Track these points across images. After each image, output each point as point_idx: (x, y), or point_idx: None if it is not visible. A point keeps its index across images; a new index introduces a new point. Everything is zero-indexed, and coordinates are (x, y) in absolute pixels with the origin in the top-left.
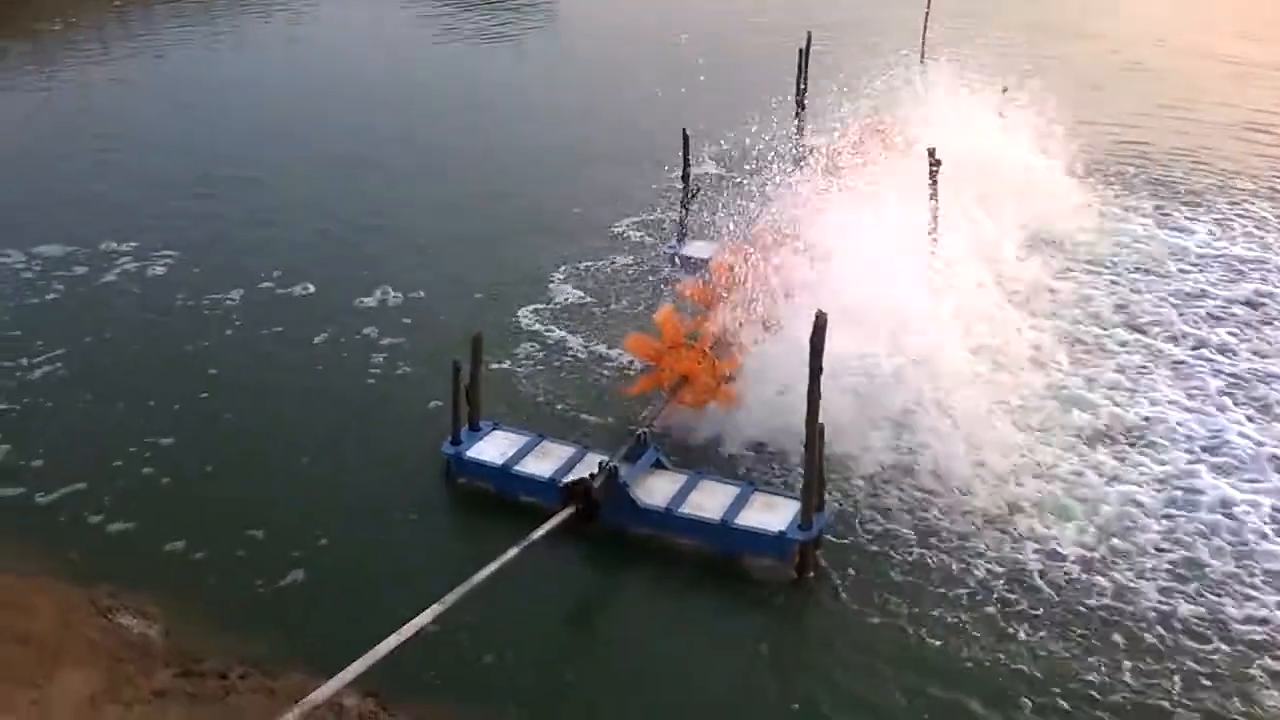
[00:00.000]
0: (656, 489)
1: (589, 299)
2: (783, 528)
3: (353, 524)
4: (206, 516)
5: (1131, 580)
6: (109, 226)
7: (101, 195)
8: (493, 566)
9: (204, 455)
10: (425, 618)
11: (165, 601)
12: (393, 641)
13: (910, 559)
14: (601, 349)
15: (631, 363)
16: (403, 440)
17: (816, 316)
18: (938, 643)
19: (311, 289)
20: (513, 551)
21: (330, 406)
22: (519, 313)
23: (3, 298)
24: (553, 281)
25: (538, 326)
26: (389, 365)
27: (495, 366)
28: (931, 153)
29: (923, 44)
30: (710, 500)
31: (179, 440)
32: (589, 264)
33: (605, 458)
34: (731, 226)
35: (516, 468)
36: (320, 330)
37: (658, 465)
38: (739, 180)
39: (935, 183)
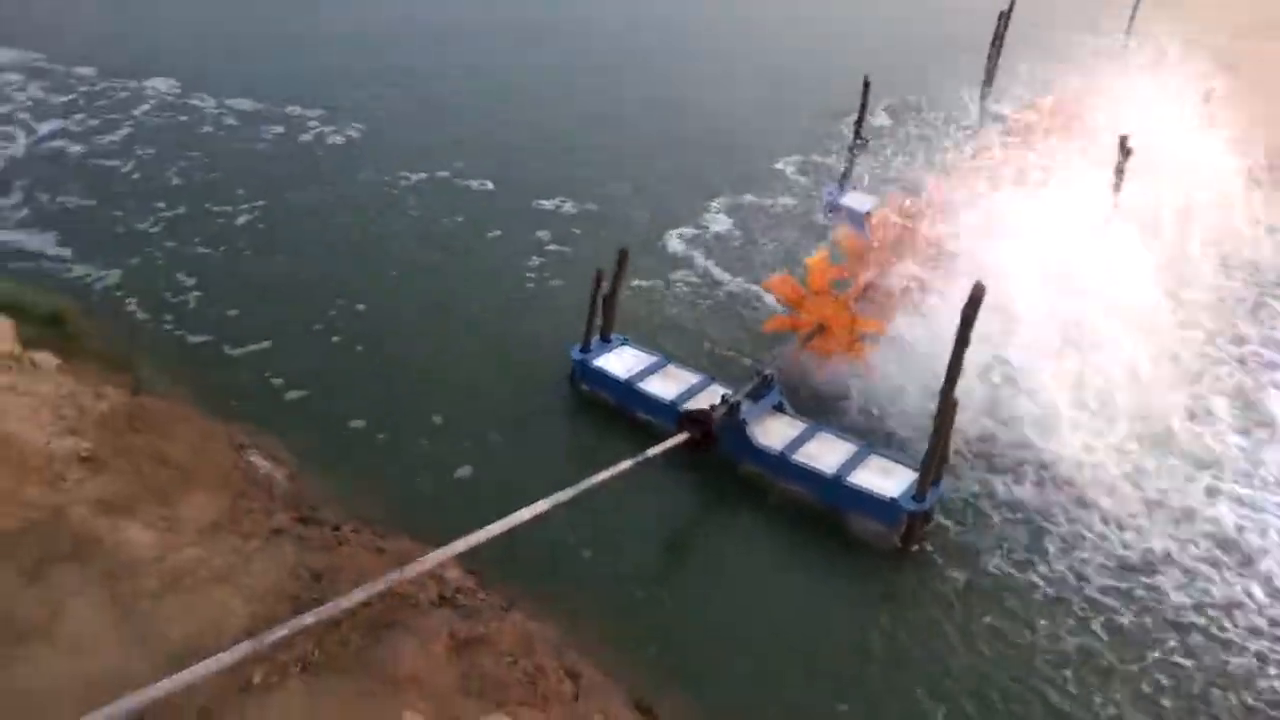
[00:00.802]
0: (774, 431)
1: (739, 232)
2: (896, 495)
3: (479, 410)
4: (349, 380)
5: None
6: (302, 92)
7: (297, 62)
8: (604, 474)
9: (365, 324)
10: (532, 510)
11: (294, 449)
12: (498, 527)
13: (1019, 552)
14: (741, 283)
15: (771, 303)
16: (542, 339)
17: (974, 288)
18: (1031, 640)
19: (490, 186)
20: (626, 464)
21: (488, 295)
22: (671, 236)
23: (207, 139)
24: (708, 211)
25: (686, 252)
26: (549, 267)
27: (637, 284)
28: (1123, 141)
29: (1131, 20)
30: (825, 453)
31: (345, 306)
32: (746, 198)
33: (728, 391)
34: (897, 184)
35: (639, 385)
36: (495, 226)
37: (778, 408)
38: (912, 139)
39: (1122, 173)
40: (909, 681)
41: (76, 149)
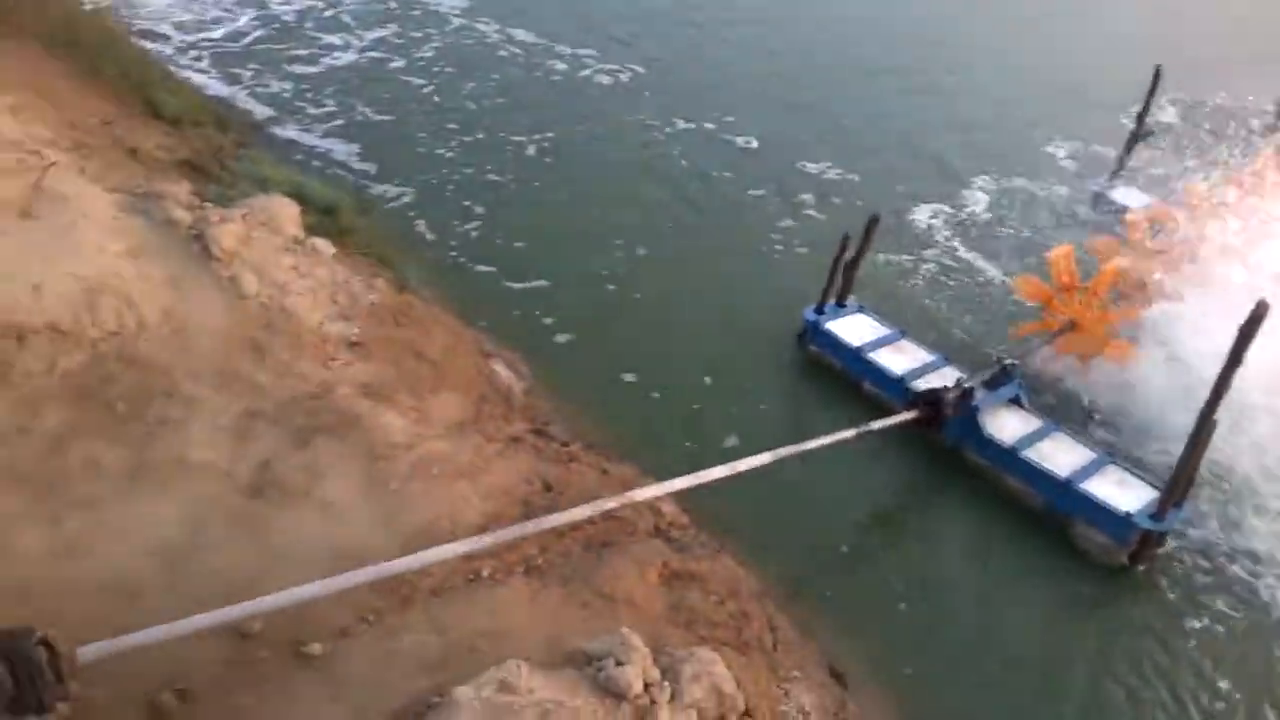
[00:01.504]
0: (1007, 424)
1: (994, 214)
2: (1133, 510)
3: (706, 357)
4: (588, 309)
5: None
6: (581, 28)
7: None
8: (826, 439)
9: (623, 264)
10: (752, 462)
11: (535, 364)
12: (719, 471)
13: (1255, 593)
14: (990, 267)
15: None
16: (778, 299)
17: (1257, 305)
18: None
19: (754, 144)
20: (849, 433)
21: (736, 249)
22: (923, 210)
23: (495, 65)
24: (967, 188)
25: (937, 229)
26: (799, 231)
27: (885, 258)
28: None
29: None
30: (1060, 454)
31: (613, 247)
32: (1005, 180)
33: (964, 375)
34: (1171, 183)
35: (870, 355)
36: (757, 185)
37: (1014, 401)
38: (1197, 138)
39: None
40: (1113, 697)
41: (393, 63)
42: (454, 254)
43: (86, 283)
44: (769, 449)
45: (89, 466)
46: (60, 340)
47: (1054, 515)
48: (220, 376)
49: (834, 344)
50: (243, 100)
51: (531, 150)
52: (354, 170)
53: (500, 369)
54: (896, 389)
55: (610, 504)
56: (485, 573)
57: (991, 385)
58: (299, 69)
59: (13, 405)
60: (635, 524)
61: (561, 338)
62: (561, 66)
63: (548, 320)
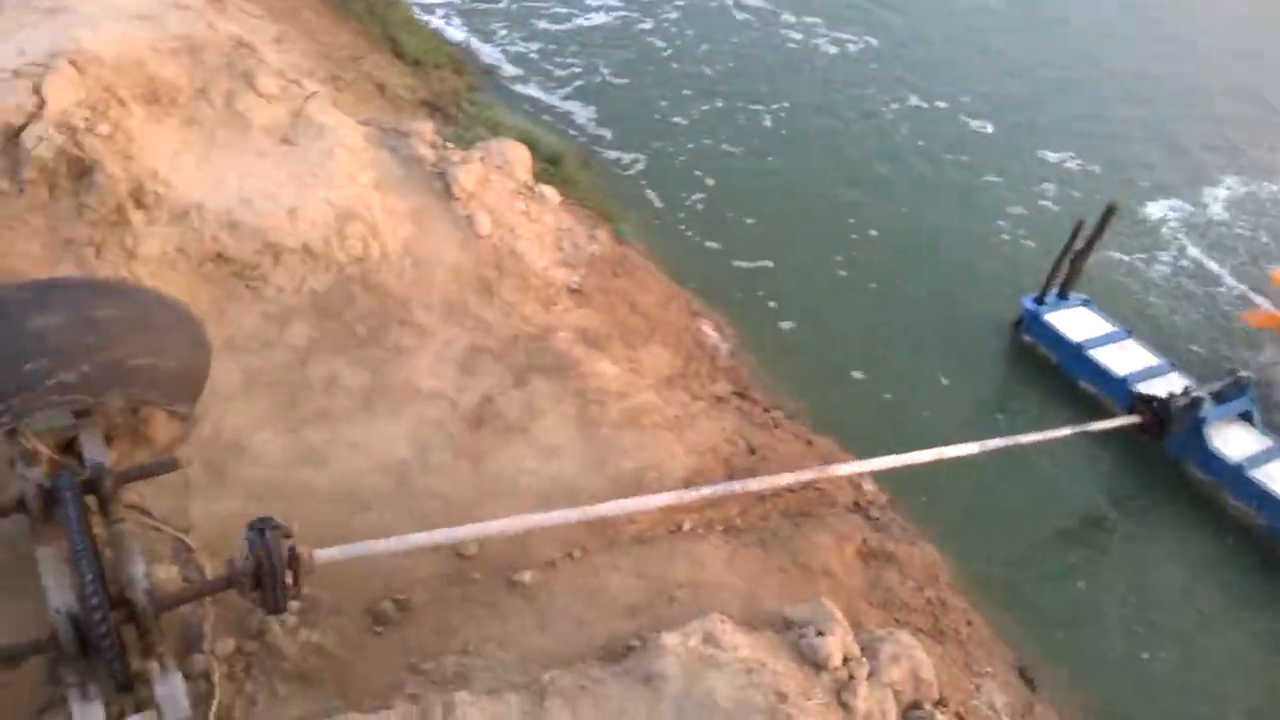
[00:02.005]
0: (1234, 440)
1: (1237, 216)
2: None
3: (919, 338)
4: (807, 286)
5: None
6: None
7: None
8: (1038, 436)
9: (847, 246)
10: (959, 450)
11: (738, 328)
12: (925, 455)
13: None
14: (1227, 275)
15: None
16: (997, 286)
17: None
18: None
19: (989, 128)
20: (1064, 431)
21: (961, 233)
22: (1159, 206)
23: (728, 29)
24: (1210, 186)
25: (1172, 226)
26: (1029, 221)
27: (1115, 256)
28: None
29: None
30: None
31: (822, 217)
32: (1256, 183)
33: (1191, 383)
34: None
35: (1091, 352)
36: (992, 172)
37: (1245, 417)
38: None
39: None
40: None
41: (640, 25)
42: (681, 226)
43: (338, 209)
44: (976, 439)
45: (329, 383)
46: (311, 261)
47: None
48: (451, 310)
49: (1052, 337)
50: (481, 50)
51: (767, 121)
52: (588, 132)
53: (708, 329)
54: (1118, 390)
55: (812, 475)
56: (686, 526)
57: (1221, 398)
58: (545, 26)
59: (265, 318)
60: (835, 498)
61: (773, 305)
62: (793, 35)
63: (764, 296)
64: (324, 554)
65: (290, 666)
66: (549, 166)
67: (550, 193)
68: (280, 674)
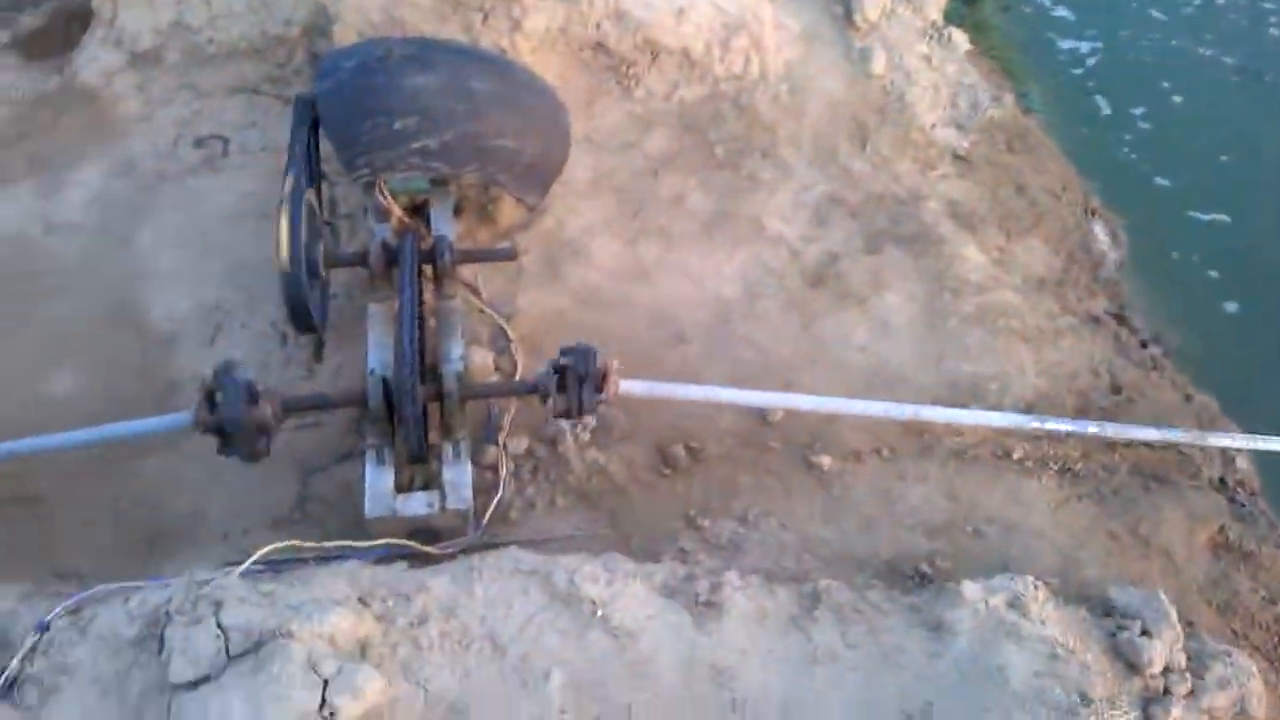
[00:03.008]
0: None
1: None
2: None
3: None
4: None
5: None
6: None
7: None
8: None
9: None
10: None
11: (1134, 237)
12: None
13: None
14: None
15: None
16: None
17: None
18: None
19: None
20: None
21: None
22: None
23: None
24: None
25: None
26: None
27: None
28: None
29: None
30: None
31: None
32: None
33: None
34: None
35: None
36: None
37: None
38: None
39: None
40: None
41: None
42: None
43: (726, 18)
44: None
45: (675, 201)
46: (687, 68)
47: None
48: (818, 151)
49: None
50: None
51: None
52: None
53: (1099, 231)
54: None
55: (1182, 437)
56: (1016, 454)
57: None
58: None
59: (629, 119)
60: (1199, 468)
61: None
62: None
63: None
64: (630, 386)
65: (574, 481)
66: (960, 5)
67: (959, 38)
68: (563, 486)
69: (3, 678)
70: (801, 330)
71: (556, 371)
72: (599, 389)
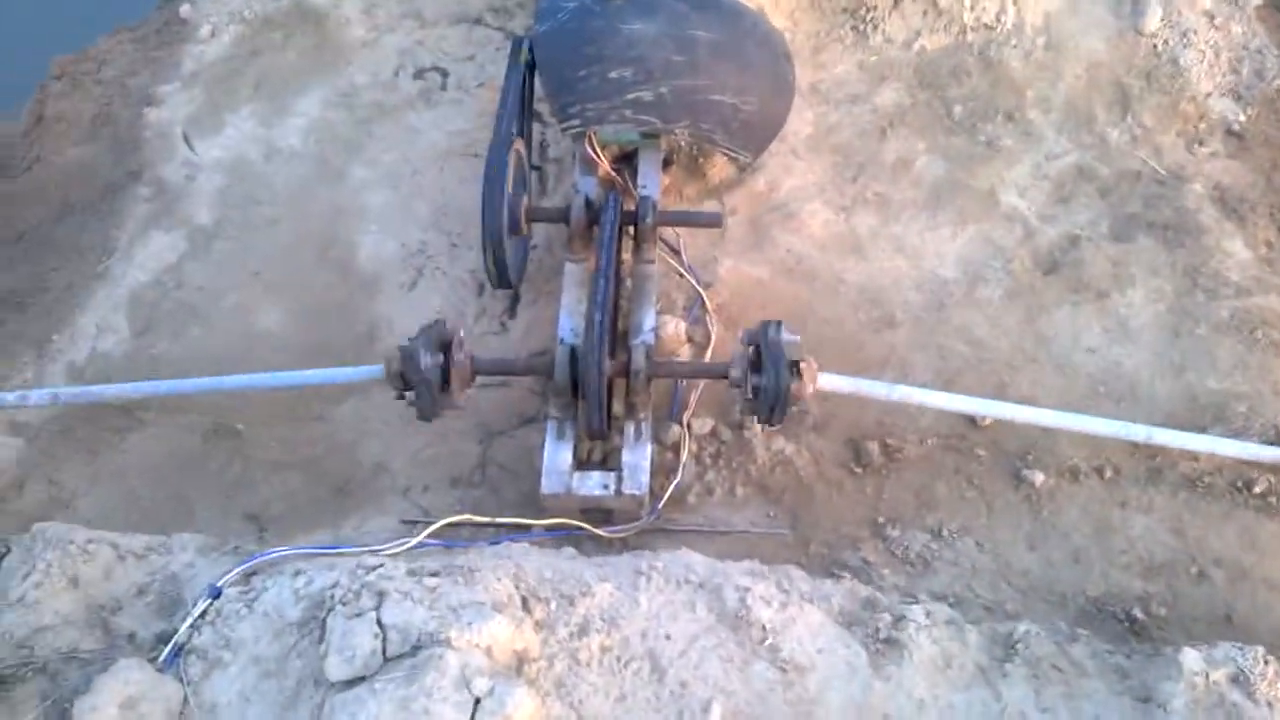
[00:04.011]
0: None
1: None
2: None
3: None
4: None
5: None
6: None
7: None
8: None
9: None
10: None
11: None
12: None
13: None
14: None
15: None
16: None
17: None
18: None
19: None
20: None
21: None
22: None
23: None
24: None
25: None
26: None
27: None
28: None
29: None
30: None
31: None
32: None
33: None
34: None
35: None
36: None
37: None
38: None
39: None
40: None
41: None
42: None
43: None
44: None
45: (900, 165)
46: (933, 13)
47: None
48: (1069, 116)
49: None
50: None
51: None
52: None
53: None
54: None
55: None
56: (1258, 488)
57: None
58: None
59: (860, 69)
60: None
61: None
62: None
63: None
64: (829, 381)
65: (756, 471)
66: None
67: None
68: (744, 475)
69: (171, 644)
70: (1024, 323)
71: (752, 369)
72: (795, 375)
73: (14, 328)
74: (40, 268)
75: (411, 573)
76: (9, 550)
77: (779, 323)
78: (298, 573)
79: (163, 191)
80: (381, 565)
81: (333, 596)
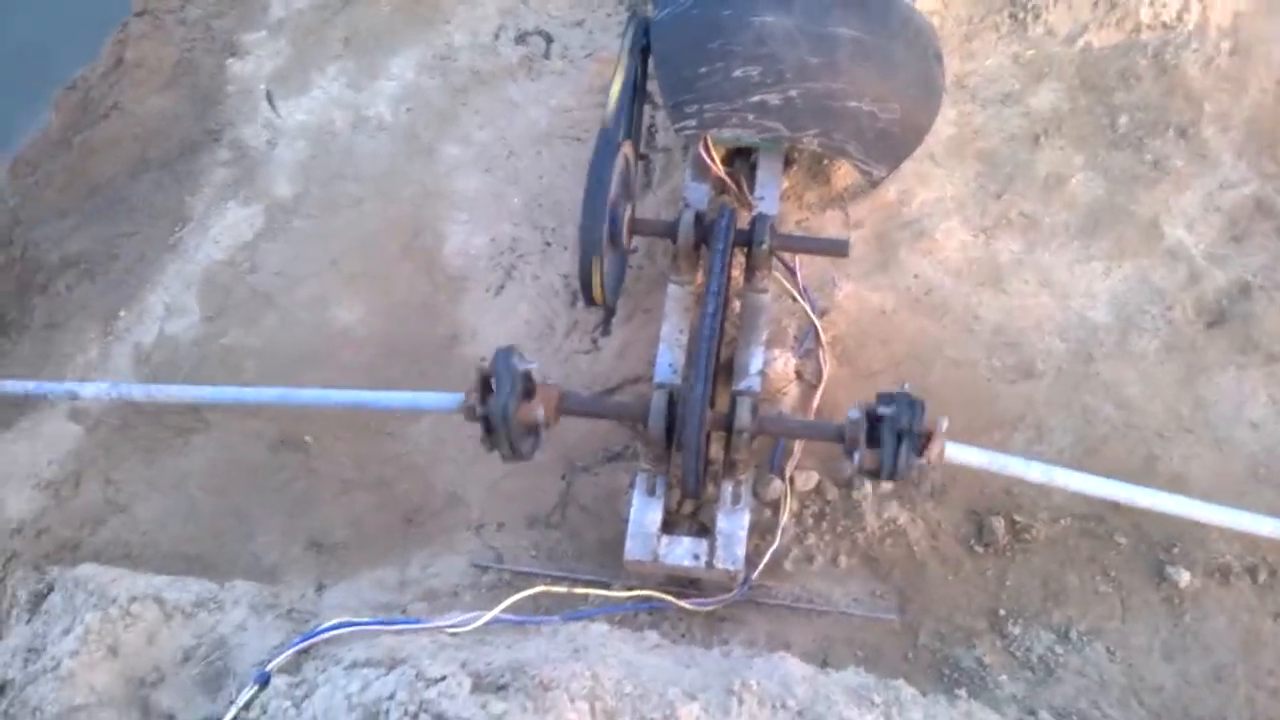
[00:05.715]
0: None
1: None
2: None
3: None
4: None
5: None
6: None
7: None
8: None
9: None
10: None
11: None
12: None
13: None
14: None
15: None
16: None
17: None
18: None
19: None
20: None
21: None
22: None
23: None
24: None
25: None
26: None
27: None
28: None
29: None
30: None
31: None
32: None
33: None
34: None
35: None
36: None
37: None
38: None
39: None
40: None
41: None
42: None
43: None
44: None
45: (1053, 180)
46: (1104, 8)
47: None
48: (1252, 138)
49: None
50: None
51: None
52: None
53: None
54: None
55: None
56: None
57: None
58: None
59: (1014, 63)
60: None
61: None
62: None
63: None
64: (958, 453)
65: (863, 540)
66: None
67: None
68: (850, 542)
69: None
70: (1182, 384)
71: (870, 421)
72: (920, 451)
73: (80, 297)
74: (112, 231)
75: (476, 687)
76: (51, 590)
77: (901, 396)
78: (352, 666)
79: (243, 156)
80: (444, 680)
81: (388, 713)
